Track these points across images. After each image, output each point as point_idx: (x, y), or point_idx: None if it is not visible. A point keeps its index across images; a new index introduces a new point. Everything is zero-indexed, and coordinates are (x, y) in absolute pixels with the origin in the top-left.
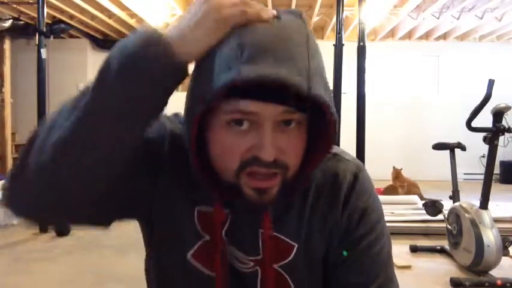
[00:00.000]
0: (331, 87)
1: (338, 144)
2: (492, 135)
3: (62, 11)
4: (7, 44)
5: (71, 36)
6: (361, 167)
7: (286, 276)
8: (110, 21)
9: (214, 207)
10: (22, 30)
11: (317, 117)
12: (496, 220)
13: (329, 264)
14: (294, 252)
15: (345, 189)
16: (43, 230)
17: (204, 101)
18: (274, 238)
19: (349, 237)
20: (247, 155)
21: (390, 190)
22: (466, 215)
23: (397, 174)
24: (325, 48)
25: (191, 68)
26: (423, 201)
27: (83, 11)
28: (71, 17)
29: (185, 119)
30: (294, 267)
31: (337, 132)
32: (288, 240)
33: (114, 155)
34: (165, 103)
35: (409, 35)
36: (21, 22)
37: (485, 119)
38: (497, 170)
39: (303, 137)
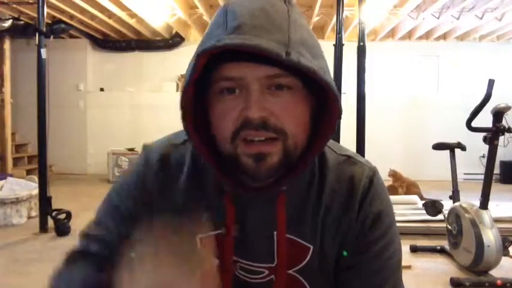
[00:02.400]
0: None
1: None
2: (492, 135)
3: (62, 11)
4: (7, 44)
5: (71, 36)
6: (376, 171)
7: (303, 281)
8: (110, 21)
9: (225, 201)
10: (22, 30)
11: (324, 102)
12: (496, 220)
13: (339, 267)
14: (309, 254)
15: (360, 193)
16: (43, 230)
17: (189, 71)
18: (289, 241)
19: (361, 241)
20: (239, 120)
21: (390, 190)
22: (466, 215)
23: (395, 175)
24: (325, 48)
25: None
26: (423, 201)
27: (83, 11)
28: (71, 17)
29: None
30: (309, 270)
31: (339, 107)
32: (303, 242)
33: None
34: None
35: (409, 35)
36: (21, 22)
37: (485, 119)
38: (497, 170)
39: (299, 103)
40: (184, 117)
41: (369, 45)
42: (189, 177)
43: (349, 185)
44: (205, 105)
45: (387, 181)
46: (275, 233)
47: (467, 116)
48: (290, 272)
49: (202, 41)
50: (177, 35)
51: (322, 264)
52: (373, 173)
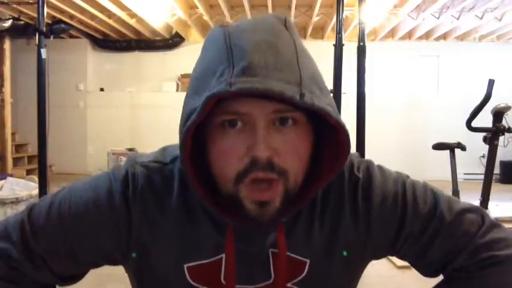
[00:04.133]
0: (331, 87)
1: None
2: (492, 135)
3: (62, 11)
4: (7, 44)
5: (71, 36)
6: (356, 161)
7: None
8: (110, 21)
9: (227, 238)
10: (22, 30)
11: (328, 134)
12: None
13: (341, 266)
14: (306, 268)
15: (351, 197)
16: None
17: (196, 112)
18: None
19: (413, 229)
20: (245, 160)
21: None
22: None
23: None
24: (325, 48)
25: None
26: None
27: (83, 11)
28: (71, 17)
29: (180, 135)
30: (308, 282)
31: (349, 146)
32: (298, 257)
33: None
34: None
35: (409, 35)
36: (21, 22)
37: (485, 119)
38: (497, 170)
39: (302, 139)
40: (184, 157)
41: (369, 45)
42: (178, 205)
43: (338, 187)
44: (197, 137)
45: None
46: (270, 250)
47: (467, 116)
48: (288, 284)
49: (202, 74)
50: (177, 35)
51: (324, 274)
52: (355, 167)
